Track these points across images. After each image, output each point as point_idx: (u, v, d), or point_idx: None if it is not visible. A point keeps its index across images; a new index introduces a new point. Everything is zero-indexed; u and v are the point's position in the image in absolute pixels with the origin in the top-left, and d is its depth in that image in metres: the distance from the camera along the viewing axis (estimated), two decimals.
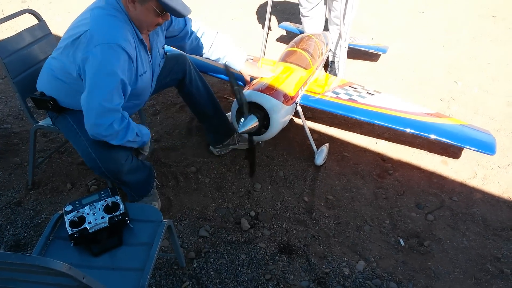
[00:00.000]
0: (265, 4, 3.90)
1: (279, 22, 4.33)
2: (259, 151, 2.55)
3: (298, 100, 2.30)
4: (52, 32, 2.17)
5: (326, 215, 2.13)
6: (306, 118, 2.52)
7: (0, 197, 2.17)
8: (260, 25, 4.41)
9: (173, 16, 1.99)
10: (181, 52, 2.25)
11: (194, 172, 2.38)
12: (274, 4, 4.66)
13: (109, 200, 1.46)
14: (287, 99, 2.13)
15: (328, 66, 3.33)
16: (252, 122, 1.99)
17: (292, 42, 2.70)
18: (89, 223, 1.38)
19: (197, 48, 2.18)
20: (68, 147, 2.49)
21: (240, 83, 2.52)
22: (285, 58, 2.48)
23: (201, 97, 2.33)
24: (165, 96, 3.10)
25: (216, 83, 3.21)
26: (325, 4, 3.17)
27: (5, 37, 1.93)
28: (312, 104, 2.35)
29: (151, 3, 1.60)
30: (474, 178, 2.40)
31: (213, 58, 2.23)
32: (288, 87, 2.20)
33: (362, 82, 3.20)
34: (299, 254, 1.91)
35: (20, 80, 1.92)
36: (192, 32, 2.11)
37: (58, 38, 1.76)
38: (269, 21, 3.18)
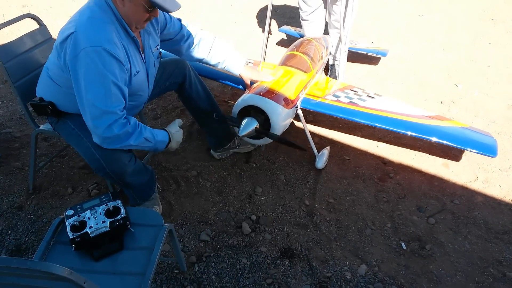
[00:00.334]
0: (265, 8, 3.91)
1: (279, 26, 4.34)
2: (260, 154, 2.55)
3: (298, 103, 2.30)
4: (53, 37, 2.17)
5: (327, 219, 2.12)
6: (307, 122, 2.52)
7: (1, 201, 2.17)
8: (261, 29, 4.42)
9: (168, 18, 2.00)
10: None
11: (195, 176, 2.37)
12: (274, 8, 4.67)
13: (110, 205, 1.45)
14: (287, 102, 2.13)
15: (329, 69, 3.33)
16: (253, 126, 1.99)
17: (292, 46, 2.71)
18: (90, 227, 1.38)
19: (195, 53, 2.17)
20: (69, 151, 2.49)
21: (241, 86, 2.53)
22: (286, 62, 2.49)
23: (201, 101, 2.33)
24: (165, 100, 3.10)
25: (216, 87, 3.21)
26: (325, 8, 3.18)
27: (6, 42, 1.93)
28: (313, 108, 2.35)
29: None
30: (475, 181, 2.40)
31: (212, 63, 2.23)
32: (288, 91, 2.20)
33: (362, 85, 3.21)
34: (300, 258, 1.90)
35: (21, 85, 1.92)
36: (188, 36, 2.11)
37: None
38: (269, 25, 3.19)
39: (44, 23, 2.15)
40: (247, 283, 1.78)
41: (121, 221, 1.42)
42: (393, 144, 2.67)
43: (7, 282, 0.99)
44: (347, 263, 1.89)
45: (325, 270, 1.84)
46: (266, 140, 2.13)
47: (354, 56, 3.59)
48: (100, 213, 1.43)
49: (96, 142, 1.65)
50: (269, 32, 3.33)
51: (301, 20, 3.32)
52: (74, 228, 1.38)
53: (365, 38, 4.21)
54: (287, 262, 1.88)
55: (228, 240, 1.98)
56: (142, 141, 1.72)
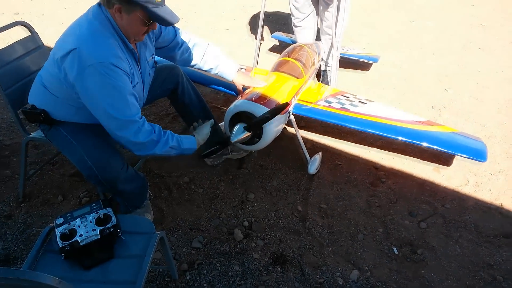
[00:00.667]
0: (258, 14, 3.93)
1: (271, 32, 4.37)
2: (252, 160, 2.55)
3: (290, 109, 2.31)
4: (44, 44, 2.17)
5: (320, 224, 2.12)
6: (299, 127, 2.53)
7: None
8: (253, 36, 4.44)
9: (162, 26, 2.01)
10: (173, 63, 2.25)
11: (187, 182, 2.37)
12: (266, 15, 4.69)
13: (101, 212, 1.44)
14: None
15: (321, 75, 3.35)
16: (245, 132, 1.99)
17: (284, 52, 2.72)
18: (80, 235, 1.37)
19: (188, 59, 2.18)
20: (60, 158, 2.47)
21: (233, 92, 2.54)
22: (278, 68, 2.50)
23: (194, 108, 2.33)
24: (158, 106, 3.10)
25: (209, 93, 3.22)
26: (317, 14, 3.20)
27: None
28: (305, 113, 2.36)
29: (138, 12, 1.59)
30: (466, 185, 2.42)
31: (205, 68, 2.24)
32: (280, 97, 2.21)
33: (354, 91, 3.23)
34: (293, 265, 1.90)
35: (12, 92, 1.91)
36: (182, 43, 2.12)
37: (50, 50, 1.76)
38: (262, 31, 3.20)
39: (36, 30, 2.14)
40: None
41: (112, 229, 1.41)
42: (384, 149, 2.68)
43: None
44: (340, 268, 1.89)
45: (318, 276, 1.84)
46: (258, 146, 2.13)
47: (346, 62, 3.61)
48: (91, 221, 1.42)
49: (130, 150, 1.70)
50: (262, 39, 3.34)
51: (293, 27, 3.34)
52: (64, 236, 1.36)
53: (356, 45, 4.25)
54: (279, 269, 1.87)
55: (220, 247, 1.97)
56: (167, 150, 1.76)
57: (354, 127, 2.28)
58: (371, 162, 2.60)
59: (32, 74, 2.02)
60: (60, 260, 1.36)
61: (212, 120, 2.06)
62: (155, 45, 2.00)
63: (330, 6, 2.93)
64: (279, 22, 4.81)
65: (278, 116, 2.12)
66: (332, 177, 2.46)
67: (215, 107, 3.08)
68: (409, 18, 5.09)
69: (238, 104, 2.08)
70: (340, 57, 3.16)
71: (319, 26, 3.26)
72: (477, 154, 2.19)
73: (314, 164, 2.45)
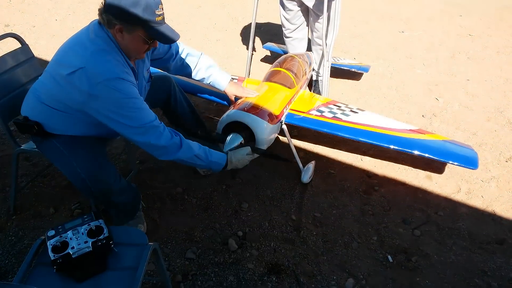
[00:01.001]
0: (249, 25, 3.97)
1: (263, 43, 4.40)
2: (246, 170, 2.55)
3: (283, 118, 2.32)
4: (36, 56, 2.16)
5: (314, 233, 2.12)
6: (292, 137, 2.54)
7: None
8: (245, 46, 4.47)
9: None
10: (166, 73, 2.26)
11: (180, 193, 2.36)
12: (258, 26, 4.74)
13: (93, 224, 1.42)
14: (272, 118, 2.15)
15: (312, 85, 3.38)
16: (238, 142, 2.00)
17: (276, 62, 2.74)
18: (72, 248, 1.35)
19: (182, 69, 2.20)
20: (51, 170, 2.45)
21: (226, 103, 2.54)
22: (270, 78, 2.52)
23: (187, 118, 2.33)
24: None
25: (202, 103, 3.22)
26: (308, 25, 3.24)
27: None
28: (297, 123, 2.37)
29: (139, 32, 1.59)
30: (458, 192, 2.43)
31: (197, 78, 2.25)
32: (273, 106, 2.22)
33: (345, 100, 3.26)
34: (287, 274, 1.89)
35: (2, 104, 1.89)
36: (177, 54, 2.13)
37: (42, 61, 1.76)
38: (253, 42, 3.23)
39: (27, 42, 2.14)
40: None
41: (104, 241, 1.39)
42: (377, 158, 2.70)
43: None
44: (335, 277, 1.88)
45: (313, 285, 1.83)
46: (252, 156, 2.13)
47: (337, 72, 3.65)
48: (83, 233, 1.39)
49: (154, 155, 1.74)
50: (253, 49, 3.37)
51: (284, 38, 3.37)
52: (55, 249, 1.34)
53: (347, 55, 4.30)
54: (274, 278, 1.86)
55: (214, 258, 1.96)
56: (191, 157, 1.79)
57: (347, 136, 2.30)
58: (364, 170, 2.61)
59: (23, 86, 2.00)
60: (52, 273, 1.33)
61: (249, 147, 2.00)
62: (150, 57, 2.01)
63: (320, 17, 2.97)
64: (271, 32, 4.85)
65: (271, 125, 2.14)
66: (325, 185, 2.46)
67: (207, 117, 3.08)
68: (398, 29, 5.17)
69: (231, 114, 2.09)
70: (332, 67, 3.19)
71: (310, 37, 3.30)
72: (469, 161, 2.22)
73: (307, 173, 2.46)
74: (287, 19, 3.20)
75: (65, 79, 1.58)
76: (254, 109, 2.11)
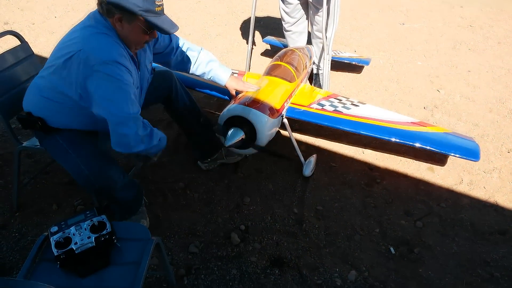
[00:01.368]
0: (249, 19, 3.95)
1: (263, 36, 4.38)
2: (247, 164, 2.55)
3: (284, 112, 2.31)
4: (35, 53, 2.16)
5: (316, 226, 2.12)
6: (293, 130, 2.53)
7: None
8: (244, 40, 4.45)
9: (159, 33, 2.01)
10: (167, 69, 2.26)
11: (182, 188, 2.36)
12: (257, 20, 4.72)
13: (95, 220, 1.43)
14: (272, 112, 2.15)
15: (313, 78, 3.37)
16: (239, 136, 2.00)
17: (276, 56, 2.73)
18: (75, 243, 1.36)
19: (182, 64, 2.19)
20: (54, 167, 2.45)
21: (226, 97, 2.54)
22: (270, 72, 2.51)
23: (188, 113, 2.33)
24: (152, 112, 3.08)
25: (203, 98, 3.21)
26: (307, 18, 3.23)
27: None
28: (298, 116, 2.37)
29: (138, 22, 1.60)
30: (460, 184, 2.43)
31: (198, 73, 2.25)
32: (273, 100, 2.22)
33: (346, 93, 3.25)
34: (290, 267, 1.89)
35: (3, 102, 1.89)
36: (177, 49, 2.13)
37: (41, 58, 1.76)
38: (253, 36, 3.22)
39: (26, 39, 2.13)
40: None
41: (107, 236, 1.39)
42: (378, 150, 2.70)
43: None
44: (337, 269, 1.89)
45: (316, 278, 1.84)
46: (253, 150, 2.13)
47: (338, 65, 3.64)
48: (85, 229, 1.40)
49: (122, 151, 1.69)
50: (253, 43, 3.36)
51: (284, 31, 3.36)
52: (58, 244, 1.35)
53: (347, 48, 4.28)
54: (277, 271, 1.87)
55: (217, 252, 1.96)
56: (157, 142, 1.79)
57: (348, 129, 2.29)
58: (366, 163, 2.61)
59: (23, 83, 2.00)
60: (56, 269, 1.34)
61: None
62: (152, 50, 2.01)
63: (320, 10, 2.96)
64: (270, 26, 4.83)
65: (272, 119, 2.13)
66: (327, 178, 2.46)
67: (208, 112, 3.07)
68: (399, 21, 5.14)
69: (231, 108, 2.09)
70: (332, 60, 3.18)
71: (310, 30, 3.28)
72: (470, 153, 2.21)
73: (309, 166, 2.46)
74: (286, 13, 3.19)
75: (63, 65, 1.59)
76: (255, 103, 2.11)
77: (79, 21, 1.72)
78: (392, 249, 2.00)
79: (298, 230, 2.10)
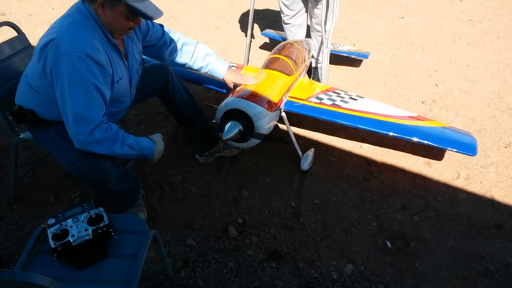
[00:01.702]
0: (247, 12, 3.93)
1: (261, 29, 4.36)
2: (245, 158, 2.55)
3: (282, 106, 2.31)
4: (32, 45, 2.14)
5: (313, 220, 2.13)
6: (291, 124, 2.53)
7: None
8: (243, 33, 4.43)
9: (150, 25, 2.00)
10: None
11: (180, 181, 2.36)
12: (256, 12, 4.70)
13: (93, 212, 1.43)
14: (271, 105, 2.14)
15: (312, 72, 3.36)
16: (236, 129, 1.99)
17: (275, 49, 2.72)
18: (72, 236, 1.36)
19: (177, 59, 2.18)
20: (51, 159, 2.45)
21: (224, 90, 2.53)
22: (268, 65, 2.50)
23: (185, 106, 2.32)
24: (149, 105, 3.08)
25: (200, 92, 3.21)
26: (307, 11, 3.21)
27: None
28: (296, 110, 2.36)
29: (120, 7, 1.58)
30: (457, 178, 2.44)
31: (195, 67, 2.24)
32: (271, 94, 2.21)
33: (345, 87, 3.25)
34: (287, 260, 1.90)
35: (0, 93, 1.89)
36: (171, 42, 2.11)
37: None
38: (252, 29, 3.20)
39: (24, 31, 2.12)
40: (234, 287, 1.77)
41: (104, 229, 1.40)
42: (376, 145, 2.70)
43: None
44: (334, 263, 1.90)
45: (312, 271, 1.85)
46: (251, 143, 2.13)
47: (337, 59, 3.63)
48: (83, 221, 1.40)
49: (77, 147, 1.64)
50: (252, 36, 3.34)
51: (283, 24, 3.34)
52: (56, 237, 1.35)
53: (346, 41, 4.27)
54: (274, 264, 1.88)
55: (214, 245, 1.97)
56: (126, 148, 1.72)
57: (346, 123, 2.29)
58: (363, 157, 2.62)
59: (19, 74, 1.98)
60: (53, 261, 1.34)
61: (159, 134, 1.93)
62: (142, 43, 2.00)
63: (319, 3, 2.94)
64: (269, 19, 4.81)
65: (270, 113, 2.13)
66: (324, 172, 2.47)
67: (206, 105, 3.07)
68: (398, 15, 5.12)
69: (229, 102, 2.08)
70: (331, 53, 3.17)
71: (309, 23, 3.27)
72: (467, 148, 2.22)
73: (307, 160, 2.46)
74: (285, 5, 3.17)
75: (39, 53, 1.59)
76: (253, 97, 2.10)
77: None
78: (388, 243, 2.01)
79: (295, 223, 2.11)
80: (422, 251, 1.97)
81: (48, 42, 1.56)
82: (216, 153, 2.49)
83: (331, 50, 3.17)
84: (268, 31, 4.01)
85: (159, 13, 1.66)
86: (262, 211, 2.18)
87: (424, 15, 5.11)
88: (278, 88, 2.31)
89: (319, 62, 3.24)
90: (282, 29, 3.48)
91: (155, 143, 1.87)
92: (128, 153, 1.74)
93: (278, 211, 2.18)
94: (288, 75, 2.45)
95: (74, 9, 1.64)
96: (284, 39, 3.44)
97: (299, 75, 2.64)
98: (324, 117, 2.32)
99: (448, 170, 2.50)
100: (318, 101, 2.42)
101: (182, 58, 2.19)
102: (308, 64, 3.02)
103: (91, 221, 1.41)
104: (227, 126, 2.01)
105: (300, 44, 2.92)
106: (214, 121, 2.13)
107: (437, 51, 4.13)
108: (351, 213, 2.18)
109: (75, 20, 1.61)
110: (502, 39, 4.46)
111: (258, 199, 2.26)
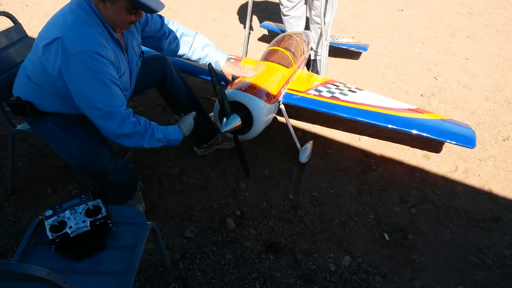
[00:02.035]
0: (246, 4, 3.90)
1: (260, 21, 4.34)
2: (244, 150, 2.54)
3: (280, 98, 2.30)
4: (29, 35, 2.13)
5: (312, 212, 2.13)
6: (290, 117, 2.53)
7: None
8: (242, 25, 4.40)
9: (149, 16, 1.98)
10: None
11: (178, 173, 2.36)
12: (255, 4, 4.67)
13: (90, 204, 1.43)
14: (269, 97, 2.13)
15: (311, 64, 3.34)
16: (235, 122, 1.98)
17: (273, 41, 2.70)
18: (70, 227, 1.35)
19: (176, 50, 2.16)
20: (48, 151, 2.44)
21: (223, 83, 2.52)
22: (267, 57, 2.49)
23: (183, 98, 2.31)
24: (147, 97, 3.07)
25: (198, 84, 3.19)
26: (306, 3, 3.19)
27: None
28: (295, 102, 2.36)
29: (121, 1, 1.56)
30: (455, 171, 2.44)
31: (193, 59, 2.22)
32: (270, 86, 2.20)
33: (344, 79, 3.24)
34: (285, 252, 1.91)
35: None
36: (169, 33, 2.09)
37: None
38: (251, 20, 3.18)
39: (20, 21, 2.10)
40: (233, 278, 1.78)
41: (102, 220, 1.39)
42: (375, 137, 2.70)
43: None
44: (332, 255, 1.90)
45: (310, 263, 1.86)
46: (249, 136, 2.12)
47: (336, 51, 3.61)
48: (80, 213, 1.40)
49: (112, 140, 1.67)
50: (251, 28, 3.32)
51: (282, 16, 3.32)
52: (53, 228, 1.35)
53: (345, 34, 4.24)
54: (272, 256, 1.88)
55: (212, 236, 1.97)
56: (154, 142, 1.74)
57: (344, 115, 2.29)
58: (362, 150, 2.61)
59: (16, 65, 1.96)
60: (51, 252, 1.34)
61: (194, 112, 1.99)
62: (141, 34, 1.98)
63: None
64: (268, 11, 4.78)
65: (268, 105, 2.12)
66: (323, 165, 2.46)
67: (204, 98, 3.06)
68: (397, 7, 5.09)
69: (228, 94, 2.07)
70: (330, 46, 3.15)
71: (308, 15, 3.25)
72: (466, 140, 2.22)
73: (305, 152, 2.45)
74: None
75: (42, 50, 1.57)
76: (252, 89, 2.09)
77: (66, 4, 1.69)
78: (386, 235, 2.02)
79: (294, 216, 2.11)
80: (420, 244, 1.97)
81: (53, 40, 1.53)
82: (214, 146, 2.49)
83: (330, 42, 3.15)
84: (267, 23, 3.98)
85: (161, 6, 1.64)
86: (260, 203, 2.18)
87: (424, 8, 5.08)
88: (276, 80, 2.30)
89: (318, 54, 3.22)
90: (281, 21, 3.45)
91: (183, 131, 1.88)
92: (155, 146, 1.76)
93: (276, 203, 2.18)
94: (287, 67, 2.44)
95: (75, 4, 1.60)
96: (283, 31, 3.42)
97: (298, 68, 2.63)
98: (323, 110, 2.31)
99: (446, 163, 2.50)
100: (317, 93, 2.41)
101: (180, 49, 2.17)
102: (307, 56, 3.00)
103: (89, 213, 1.41)
104: (225, 118, 2.00)
105: (299, 36, 2.90)
106: (211, 114, 2.12)
107: (436, 44, 4.12)
108: (349, 206, 2.18)
109: (78, 17, 1.57)
110: (502, 33, 4.45)
111: (256, 191, 2.26)
